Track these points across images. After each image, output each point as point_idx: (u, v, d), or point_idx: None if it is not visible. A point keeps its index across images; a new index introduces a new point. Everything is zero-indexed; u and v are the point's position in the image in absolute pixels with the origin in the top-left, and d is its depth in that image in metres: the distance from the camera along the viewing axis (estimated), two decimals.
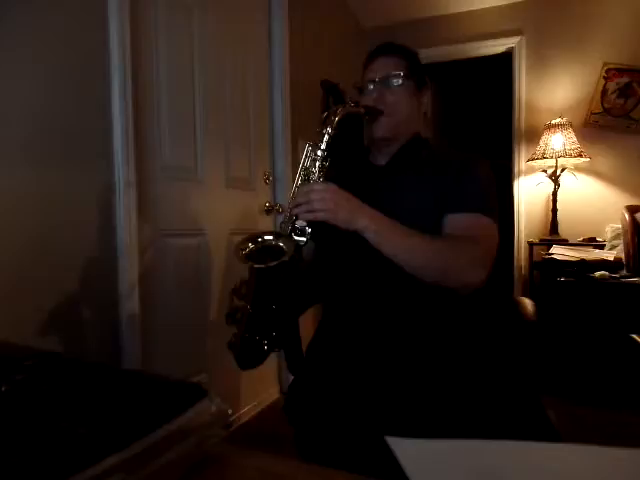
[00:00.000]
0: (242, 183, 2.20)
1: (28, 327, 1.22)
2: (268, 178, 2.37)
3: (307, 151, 1.00)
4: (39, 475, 0.36)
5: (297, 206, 0.91)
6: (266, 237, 0.92)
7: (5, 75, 1.23)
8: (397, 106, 1.08)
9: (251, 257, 0.89)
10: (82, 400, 0.48)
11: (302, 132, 2.62)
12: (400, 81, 1.08)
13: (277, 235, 0.92)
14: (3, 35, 1.22)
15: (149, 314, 1.66)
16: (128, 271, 1.54)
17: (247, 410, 2.15)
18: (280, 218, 2.41)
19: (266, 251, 0.89)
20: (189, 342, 1.88)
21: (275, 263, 0.83)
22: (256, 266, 0.85)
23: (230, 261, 2.10)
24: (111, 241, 1.51)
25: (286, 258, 0.84)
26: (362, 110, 1.05)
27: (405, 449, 0.38)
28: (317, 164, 0.98)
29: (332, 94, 2.84)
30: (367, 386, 0.96)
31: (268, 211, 2.35)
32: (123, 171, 1.52)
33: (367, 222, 0.90)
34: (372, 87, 1.10)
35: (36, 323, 1.28)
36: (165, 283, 1.76)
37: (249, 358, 0.92)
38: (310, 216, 0.90)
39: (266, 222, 2.37)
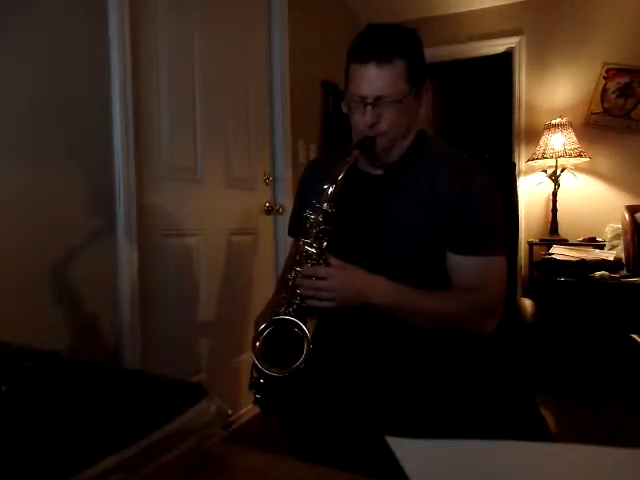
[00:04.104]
0: (242, 183, 2.20)
1: (28, 327, 1.22)
2: (268, 178, 2.37)
3: (307, 217, 0.93)
4: (39, 475, 0.36)
5: (302, 288, 0.91)
6: (283, 324, 0.91)
7: (5, 75, 1.23)
8: (394, 124, 0.97)
9: (266, 346, 0.90)
10: (82, 400, 0.48)
11: (302, 132, 2.62)
12: (398, 97, 0.95)
13: (293, 323, 0.91)
14: (3, 35, 1.22)
15: (149, 314, 1.66)
16: (128, 271, 1.54)
17: (247, 410, 2.15)
18: (280, 219, 2.41)
19: (281, 334, 0.90)
20: (189, 342, 1.88)
21: (289, 373, 0.88)
22: (273, 374, 0.89)
23: (230, 261, 2.10)
24: (111, 241, 1.51)
25: (302, 365, 0.87)
26: (359, 154, 0.95)
27: (405, 449, 0.38)
28: (319, 228, 0.92)
29: (332, 94, 2.84)
30: (364, 387, 0.96)
31: (268, 211, 2.35)
32: (123, 171, 1.52)
33: (377, 299, 0.93)
34: (363, 105, 0.95)
35: (36, 323, 1.28)
36: (165, 283, 1.76)
37: (266, 413, 1.00)
38: (318, 304, 0.92)
39: (266, 222, 2.37)
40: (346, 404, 0.96)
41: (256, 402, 0.96)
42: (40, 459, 0.37)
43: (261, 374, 0.92)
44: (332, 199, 0.91)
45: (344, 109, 1.02)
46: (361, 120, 0.97)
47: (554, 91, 3.17)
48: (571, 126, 2.96)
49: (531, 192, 3.21)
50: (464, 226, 0.98)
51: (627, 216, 2.71)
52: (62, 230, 1.37)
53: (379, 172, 1.06)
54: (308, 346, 0.86)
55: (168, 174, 1.77)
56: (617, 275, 2.54)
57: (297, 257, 0.93)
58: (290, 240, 1.20)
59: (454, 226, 0.98)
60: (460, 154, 1.05)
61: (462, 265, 0.98)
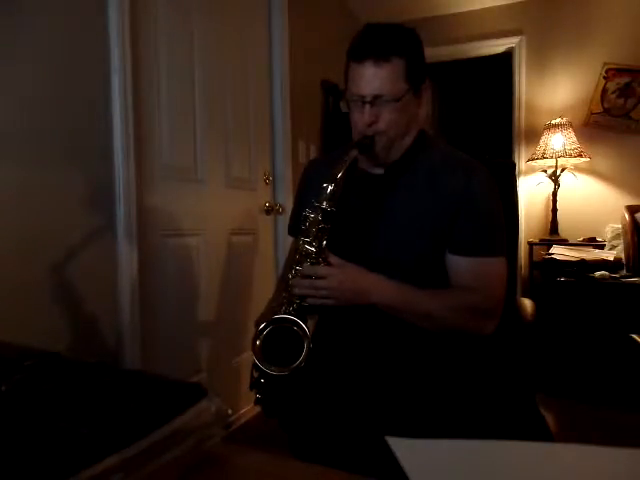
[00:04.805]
0: (242, 183, 2.20)
1: (28, 327, 1.22)
2: (268, 178, 2.37)
3: (306, 215, 0.93)
4: (39, 475, 0.36)
5: (302, 287, 0.91)
6: (283, 323, 0.90)
7: (5, 75, 1.23)
8: (393, 122, 0.97)
9: (265, 345, 0.90)
10: (82, 400, 0.48)
11: (302, 132, 2.62)
12: (397, 96, 0.95)
13: (293, 322, 0.90)
14: (3, 35, 1.22)
15: (149, 314, 1.65)
16: (128, 271, 1.54)
17: (247, 410, 2.15)
18: (280, 219, 2.41)
19: (281, 333, 0.90)
20: (189, 342, 1.88)
21: (289, 372, 0.87)
22: (273, 373, 0.89)
23: (230, 261, 2.10)
24: (111, 241, 1.51)
25: (302, 363, 0.86)
26: (357, 153, 0.96)
27: (405, 449, 0.38)
28: (318, 227, 0.92)
29: (332, 94, 2.84)
30: (364, 387, 0.96)
31: (268, 211, 2.35)
32: (123, 171, 1.52)
33: (377, 298, 0.93)
34: (361, 104, 0.96)
35: (36, 323, 1.27)
36: (165, 283, 1.75)
37: (267, 413, 0.99)
38: (318, 302, 0.92)
39: (266, 222, 2.37)
40: (346, 404, 0.96)
41: (257, 402, 0.96)
42: (40, 459, 0.37)
43: (261, 373, 0.92)
44: (331, 198, 0.91)
45: (343, 108, 1.02)
46: (360, 119, 0.97)
47: (554, 91, 3.17)
48: (571, 126, 2.96)
49: (531, 192, 3.21)
50: (464, 227, 0.98)
51: (627, 216, 2.71)
52: (62, 230, 1.36)
53: (380, 172, 1.06)
54: (308, 345, 0.86)
55: (168, 174, 1.77)
56: (617, 275, 2.54)
57: (297, 256, 0.93)
58: (290, 239, 1.21)
59: (454, 227, 0.98)
60: (461, 154, 1.05)
61: (462, 266, 0.98)
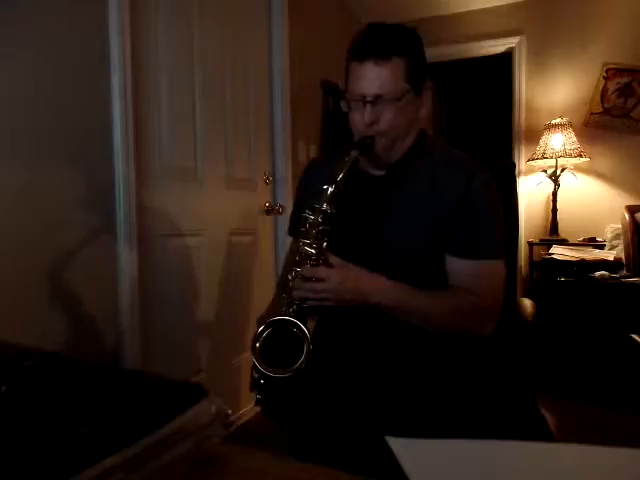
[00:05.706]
0: (242, 183, 2.20)
1: (28, 327, 1.22)
2: (268, 178, 2.37)
3: (306, 216, 0.92)
4: (39, 475, 0.36)
5: (303, 290, 0.91)
6: (283, 324, 0.90)
7: (5, 75, 1.23)
8: (394, 122, 0.96)
9: (265, 347, 0.89)
10: (82, 400, 0.48)
11: (302, 132, 2.62)
12: (398, 95, 0.94)
13: (292, 324, 0.89)
14: (3, 35, 1.22)
15: (149, 314, 1.66)
16: (128, 271, 1.54)
17: (247, 410, 2.15)
18: (280, 219, 2.41)
19: (280, 335, 0.89)
20: (189, 342, 1.88)
21: (289, 374, 0.87)
22: (273, 375, 0.88)
23: (230, 261, 2.10)
24: (111, 241, 1.51)
25: (302, 365, 0.86)
26: (358, 154, 0.94)
27: (405, 449, 0.38)
28: (318, 229, 0.91)
29: (332, 94, 2.84)
30: (364, 387, 0.96)
31: (268, 211, 2.35)
32: (123, 171, 1.52)
33: (377, 298, 0.93)
34: (362, 104, 0.95)
35: (36, 323, 1.28)
36: (165, 283, 1.75)
37: (268, 413, 1.00)
38: (317, 304, 0.92)
39: (266, 222, 2.37)
40: (346, 404, 0.96)
41: (257, 403, 0.96)
42: (40, 459, 0.37)
43: (261, 375, 0.92)
44: (331, 200, 0.91)
45: (344, 108, 1.02)
46: (360, 119, 0.97)
47: (554, 91, 3.17)
48: (571, 126, 2.96)
49: (531, 192, 3.21)
50: (464, 229, 0.97)
51: (627, 216, 2.71)
52: (62, 230, 1.36)
53: (380, 172, 1.05)
54: (308, 347, 0.86)
55: (168, 174, 1.77)
56: (617, 275, 2.54)
57: (296, 258, 0.93)
58: (290, 240, 1.20)
59: (454, 228, 0.98)
60: (462, 155, 1.04)
61: (461, 268, 0.98)
